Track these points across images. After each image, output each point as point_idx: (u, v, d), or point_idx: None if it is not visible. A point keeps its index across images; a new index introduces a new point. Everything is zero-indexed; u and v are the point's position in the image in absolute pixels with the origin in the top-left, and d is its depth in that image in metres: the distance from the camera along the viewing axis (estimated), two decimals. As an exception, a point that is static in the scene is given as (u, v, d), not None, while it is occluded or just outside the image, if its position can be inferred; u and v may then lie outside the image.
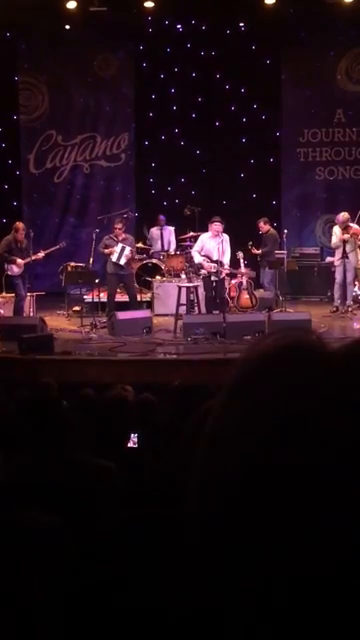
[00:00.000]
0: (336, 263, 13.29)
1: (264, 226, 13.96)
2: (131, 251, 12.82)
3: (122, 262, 12.62)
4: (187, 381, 3.33)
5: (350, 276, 13.15)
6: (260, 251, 13.70)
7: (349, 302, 13.18)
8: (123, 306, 12.98)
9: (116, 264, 12.57)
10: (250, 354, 0.64)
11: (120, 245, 12.59)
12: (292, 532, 0.56)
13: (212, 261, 12.39)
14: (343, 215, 13.15)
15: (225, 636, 0.59)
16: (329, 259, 14.20)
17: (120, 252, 12.53)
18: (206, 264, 12.47)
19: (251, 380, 0.62)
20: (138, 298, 13.47)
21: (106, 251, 12.60)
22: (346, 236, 12.99)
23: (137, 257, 14.19)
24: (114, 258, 12.52)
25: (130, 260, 12.90)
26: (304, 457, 0.56)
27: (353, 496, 0.55)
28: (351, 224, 13.10)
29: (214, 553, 0.59)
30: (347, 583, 0.55)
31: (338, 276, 13.22)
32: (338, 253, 13.23)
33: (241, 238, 13.39)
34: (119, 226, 12.75)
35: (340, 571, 0.55)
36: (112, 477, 3.27)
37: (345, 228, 13.06)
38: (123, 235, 12.73)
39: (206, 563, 0.60)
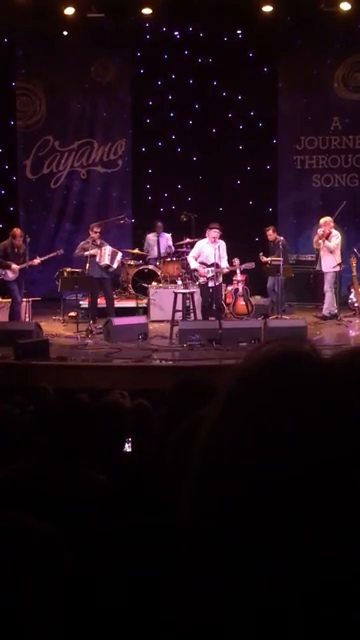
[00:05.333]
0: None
1: (272, 234, 13.91)
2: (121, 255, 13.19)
3: (115, 265, 12.86)
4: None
5: (326, 284, 13.26)
6: (270, 259, 13.57)
7: (326, 311, 13.24)
8: (121, 312, 13.03)
9: (103, 268, 12.71)
10: (245, 363, 0.64)
11: (108, 248, 12.77)
12: (294, 537, 0.56)
13: (208, 265, 12.42)
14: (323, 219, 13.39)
15: (226, 636, 0.59)
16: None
17: (111, 255, 12.73)
18: (201, 270, 12.50)
19: (247, 389, 0.62)
20: (134, 304, 13.52)
21: (87, 253, 12.71)
22: (318, 242, 13.25)
23: (132, 262, 14.42)
24: (105, 260, 12.66)
25: (119, 264, 13.30)
26: (303, 465, 0.57)
27: (354, 502, 0.56)
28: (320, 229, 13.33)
29: (213, 560, 0.59)
30: (351, 586, 0.55)
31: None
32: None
33: (238, 244, 13.40)
34: (98, 230, 12.99)
35: (344, 573, 0.55)
36: (107, 490, 3.26)
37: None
38: (99, 241, 12.90)
39: (202, 570, 0.60)
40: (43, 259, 13.24)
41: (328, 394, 0.59)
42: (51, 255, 13.57)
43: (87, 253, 12.73)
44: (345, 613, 0.55)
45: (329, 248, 13.14)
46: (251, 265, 13.24)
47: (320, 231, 13.32)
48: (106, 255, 12.76)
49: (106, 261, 12.72)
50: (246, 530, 0.57)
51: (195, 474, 0.62)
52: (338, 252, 13.28)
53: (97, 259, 12.72)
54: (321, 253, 13.31)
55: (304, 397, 0.59)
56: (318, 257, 13.68)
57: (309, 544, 0.55)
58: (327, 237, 13.23)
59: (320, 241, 13.28)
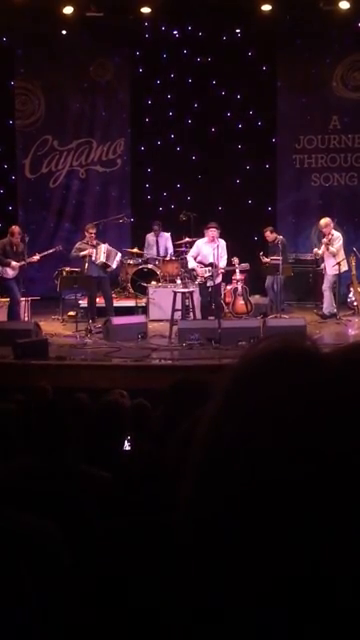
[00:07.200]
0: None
1: (270, 235, 13.89)
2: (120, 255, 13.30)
3: (114, 265, 12.91)
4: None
5: (326, 282, 13.27)
6: (269, 259, 13.53)
7: (326, 310, 13.23)
8: (120, 311, 13.04)
9: (100, 267, 12.74)
10: (244, 360, 0.64)
11: (104, 246, 12.83)
12: (294, 536, 0.56)
13: (206, 265, 12.42)
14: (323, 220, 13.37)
15: (226, 636, 0.59)
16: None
17: (107, 253, 12.79)
18: (199, 269, 12.50)
19: (246, 387, 0.62)
20: (134, 303, 13.53)
21: (82, 253, 12.77)
22: (323, 249, 13.27)
23: (132, 262, 14.45)
24: (101, 258, 12.71)
25: (119, 264, 13.36)
26: (303, 462, 0.56)
27: (352, 500, 0.55)
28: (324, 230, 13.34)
29: (213, 559, 0.59)
30: (350, 583, 0.55)
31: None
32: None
33: (237, 243, 13.40)
34: (93, 230, 12.97)
35: (346, 572, 0.55)
36: (108, 486, 3.26)
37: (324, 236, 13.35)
38: (95, 241, 12.92)
39: (202, 569, 0.60)
40: (42, 255, 13.26)
41: (326, 390, 0.59)
42: (50, 251, 13.60)
43: (82, 254, 12.77)
44: (348, 613, 0.55)
45: (333, 253, 13.15)
46: (246, 266, 13.24)
47: (325, 240, 13.29)
48: (101, 253, 12.80)
49: (102, 259, 12.76)
50: (246, 529, 0.57)
51: (194, 473, 0.62)
52: (341, 252, 13.29)
53: (93, 258, 12.75)
54: (325, 255, 13.31)
55: (303, 394, 0.59)
56: (321, 258, 13.67)
57: (310, 542, 0.55)
58: (329, 241, 13.21)
59: (324, 247, 13.30)
